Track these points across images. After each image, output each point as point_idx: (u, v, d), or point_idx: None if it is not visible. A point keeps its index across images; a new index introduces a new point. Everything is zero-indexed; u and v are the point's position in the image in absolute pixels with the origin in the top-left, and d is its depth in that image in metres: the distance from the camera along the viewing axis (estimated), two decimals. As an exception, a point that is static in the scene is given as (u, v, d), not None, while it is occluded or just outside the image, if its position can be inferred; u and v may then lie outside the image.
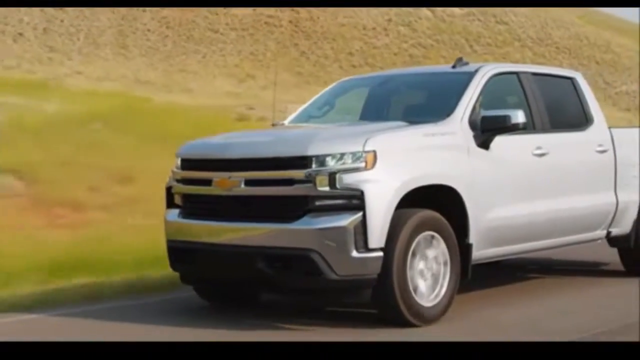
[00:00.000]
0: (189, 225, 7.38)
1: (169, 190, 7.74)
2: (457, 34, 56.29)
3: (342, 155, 6.73)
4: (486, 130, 7.57)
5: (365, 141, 6.79)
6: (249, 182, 6.96)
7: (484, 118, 7.56)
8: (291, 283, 6.93)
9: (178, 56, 49.31)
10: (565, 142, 8.56)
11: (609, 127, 9.20)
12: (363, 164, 6.71)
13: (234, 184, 6.99)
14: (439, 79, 8.63)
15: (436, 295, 7.10)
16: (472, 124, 7.58)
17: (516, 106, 8.10)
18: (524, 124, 7.62)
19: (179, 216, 7.50)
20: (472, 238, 7.38)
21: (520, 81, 8.40)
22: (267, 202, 6.91)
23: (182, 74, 46.45)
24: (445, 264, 7.16)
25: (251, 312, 7.74)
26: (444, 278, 7.15)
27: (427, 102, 8.34)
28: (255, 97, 32.09)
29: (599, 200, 8.86)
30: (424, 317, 6.97)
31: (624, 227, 9.20)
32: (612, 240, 9.31)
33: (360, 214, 6.61)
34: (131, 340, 6.61)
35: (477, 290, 8.37)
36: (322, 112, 8.82)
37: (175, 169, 7.63)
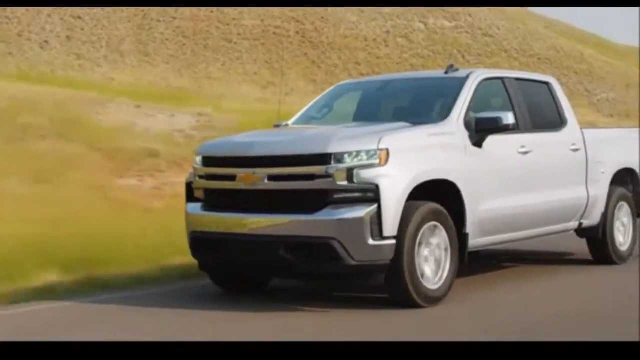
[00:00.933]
0: (212, 217, 7.94)
1: (189, 185, 8.33)
2: (449, 45, 59.45)
3: (359, 152, 7.37)
4: (480, 131, 8.28)
5: (379, 140, 7.44)
6: (272, 178, 7.55)
7: (478, 119, 8.27)
8: (312, 269, 7.58)
9: (199, 64, 51.10)
10: (545, 142, 9.29)
11: (581, 128, 10.05)
12: (377, 161, 7.37)
13: (258, 179, 7.59)
14: (433, 83, 9.32)
15: (439, 279, 7.79)
16: (467, 125, 8.28)
17: (502, 108, 8.80)
18: (514, 125, 8.38)
19: (201, 209, 8.07)
20: (469, 228, 8.08)
21: (505, 85, 9.12)
22: (289, 196, 7.51)
23: (209, 80, 48.18)
24: (446, 251, 7.83)
25: (265, 297, 8.40)
26: (445, 263, 7.84)
27: (423, 105, 8.97)
28: (283, 102, 33.52)
29: (574, 194, 9.63)
30: (429, 299, 7.64)
31: (593, 219, 9.98)
32: (582, 231, 10.08)
33: (375, 205, 7.26)
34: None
35: (463, 277, 9.01)
36: (321, 114, 9.44)
37: (196, 166, 8.22)
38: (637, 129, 11.35)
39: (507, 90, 9.11)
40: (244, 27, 55.59)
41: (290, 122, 9.37)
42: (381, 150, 7.40)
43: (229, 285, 8.61)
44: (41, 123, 18.24)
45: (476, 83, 8.71)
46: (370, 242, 7.26)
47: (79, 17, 51.49)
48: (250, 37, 55.00)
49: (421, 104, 9.02)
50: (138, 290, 8.89)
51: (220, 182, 7.98)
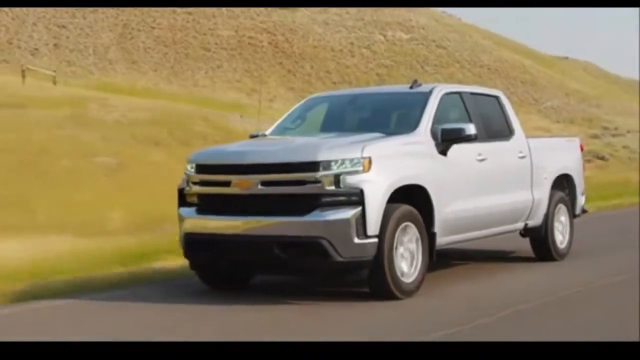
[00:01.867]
0: (208, 220, 8.59)
1: (181, 191, 8.98)
2: (408, 56, 63.69)
3: (344, 160, 8.12)
4: (445, 140, 9.11)
5: (363, 149, 8.22)
6: (265, 183, 8.24)
7: (444, 130, 9.09)
8: (303, 265, 8.31)
9: (184, 72, 53.87)
10: (497, 150, 10.16)
11: (526, 137, 11.01)
12: (361, 168, 8.13)
13: (252, 184, 8.28)
14: (400, 97, 10.12)
15: (413, 274, 8.59)
16: (433, 135, 9.11)
17: (460, 120, 9.65)
18: (475, 135, 9.26)
19: (196, 213, 8.71)
20: (436, 227, 8.90)
21: (462, 99, 10.01)
22: (281, 199, 8.21)
23: (197, 88, 50.66)
24: (418, 249, 8.63)
25: (251, 293, 9.11)
26: (417, 260, 8.64)
27: (392, 117, 9.77)
28: (270, 108, 35.95)
29: (522, 197, 10.53)
30: (405, 292, 8.44)
31: (537, 219, 10.89)
32: (527, 231, 10.98)
33: (360, 208, 8.03)
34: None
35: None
36: (295, 124, 10.19)
37: (190, 173, 8.84)
38: (573, 138, 12.44)
39: (464, 104, 9.97)
40: (220, 37, 58.66)
41: (267, 132, 10.09)
42: (364, 158, 8.18)
43: (216, 283, 9.25)
44: (205, 131, 22.16)
45: (439, 97, 9.55)
46: (356, 240, 8.03)
47: (63, 26, 54.23)
48: (227, 47, 58.04)
49: (390, 116, 9.81)
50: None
51: (215, 187, 8.64)
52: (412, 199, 8.68)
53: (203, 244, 8.68)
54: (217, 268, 9.08)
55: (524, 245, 11.55)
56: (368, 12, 66.49)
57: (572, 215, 11.74)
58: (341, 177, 8.08)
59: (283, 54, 59.30)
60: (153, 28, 57.18)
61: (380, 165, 8.28)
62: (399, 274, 8.41)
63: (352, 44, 63.01)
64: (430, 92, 9.60)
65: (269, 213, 8.27)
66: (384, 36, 65.08)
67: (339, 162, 8.13)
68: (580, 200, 12.03)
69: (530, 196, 10.71)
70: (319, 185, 8.09)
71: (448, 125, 9.21)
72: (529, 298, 8.54)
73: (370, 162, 8.20)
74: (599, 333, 6.91)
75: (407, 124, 9.32)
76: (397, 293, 8.37)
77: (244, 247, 8.40)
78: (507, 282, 9.70)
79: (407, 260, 8.57)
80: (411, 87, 9.88)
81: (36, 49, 51.54)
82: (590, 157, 39.76)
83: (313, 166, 8.12)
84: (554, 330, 7.09)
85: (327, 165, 8.11)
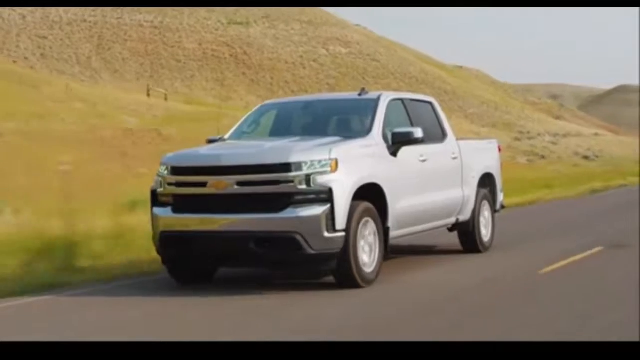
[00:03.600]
0: (184, 218, 9.09)
1: (154, 192, 9.44)
2: (350, 68, 68.95)
3: (313, 162, 8.78)
4: (395, 143, 9.87)
5: (330, 151, 8.91)
6: (241, 184, 8.81)
7: (395, 134, 9.84)
8: (277, 258, 8.91)
9: (164, 81, 56.93)
10: (435, 152, 10.94)
11: (457, 140, 11.89)
12: (329, 169, 8.80)
13: (228, 185, 8.83)
14: (350, 104, 10.81)
15: (372, 264, 9.31)
16: (385, 138, 9.87)
17: (403, 125, 10.40)
18: (423, 138, 10.06)
19: (172, 212, 9.17)
20: (390, 222, 9.66)
21: (404, 105, 10.80)
22: (256, 198, 8.79)
23: (178, 95, 53.07)
24: (375, 242, 9.35)
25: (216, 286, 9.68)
26: (375, 252, 9.36)
27: (346, 122, 10.47)
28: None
29: (455, 194, 11.37)
30: (366, 280, 9.15)
31: (466, 215, 11.76)
32: (458, 225, 11.81)
33: (329, 205, 8.70)
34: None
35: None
36: (251, 129, 10.79)
37: (164, 175, 9.27)
38: (492, 140, 13.45)
39: (406, 109, 10.74)
40: (187, 49, 62.45)
41: (226, 136, 10.64)
42: (332, 159, 8.86)
43: (184, 278, 9.72)
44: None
45: (386, 103, 10.30)
46: (326, 234, 8.71)
47: (44, 37, 56.33)
48: (194, 59, 62.00)
49: (343, 121, 10.51)
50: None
51: (191, 188, 9.15)
52: (369, 197, 9.37)
53: (179, 241, 9.16)
54: (186, 264, 9.56)
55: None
56: (310, 29, 72.07)
57: (494, 210, 12.69)
58: (312, 177, 8.73)
59: (244, 65, 63.65)
60: (126, 40, 60.57)
61: (345, 166, 8.96)
62: (361, 264, 9.12)
63: (301, 57, 68.05)
64: (378, 99, 10.33)
65: (244, 211, 8.83)
66: (327, 50, 70.89)
67: (309, 163, 8.78)
68: (500, 196, 13.00)
69: (462, 193, 11.57)
70: (291, 184, 8.71)
71: (399, 129, 9.97)
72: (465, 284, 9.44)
73: (337, 163, 8.88)
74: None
75: (361, 129, 10.03)
76: (360, 282, 9.07)
77: (220, 243, 8.93)
78: (442, 272, 10.57)
79: (367, 252, 9.28)
80: (359, 95, 10.60)
81: (26, 58, 53.44)
82: (533, 157, 42.07)
83: (286, 167, 8.74)
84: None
85: (299, 166, 8.74)
